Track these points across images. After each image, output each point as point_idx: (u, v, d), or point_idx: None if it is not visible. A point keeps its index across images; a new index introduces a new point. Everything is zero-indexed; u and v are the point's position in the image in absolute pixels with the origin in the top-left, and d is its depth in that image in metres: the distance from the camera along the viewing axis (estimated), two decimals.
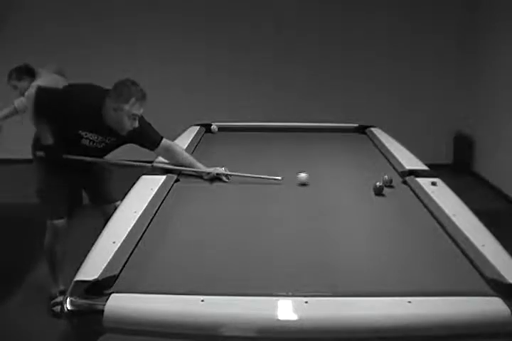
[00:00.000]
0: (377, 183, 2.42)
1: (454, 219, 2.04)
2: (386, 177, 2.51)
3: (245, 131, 3.66)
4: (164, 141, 2.79)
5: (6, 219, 4.29)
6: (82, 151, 2.79)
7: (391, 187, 2.50)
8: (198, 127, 3.64)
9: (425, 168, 2.73)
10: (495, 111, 5.24)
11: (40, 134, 2.82)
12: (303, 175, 2.53)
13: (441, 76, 5.78)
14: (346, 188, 2.55)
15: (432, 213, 2.16)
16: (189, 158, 2.77)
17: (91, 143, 2.75)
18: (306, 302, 1.47)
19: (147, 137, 2.77)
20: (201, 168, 2.71)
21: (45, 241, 2.99)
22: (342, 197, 2.44)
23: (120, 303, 1.48)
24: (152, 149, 2.79)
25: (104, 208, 3.02)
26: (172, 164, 2.75)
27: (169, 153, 2.78)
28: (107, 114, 2.63)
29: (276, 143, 3.43)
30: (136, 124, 2.64)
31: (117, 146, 2.86)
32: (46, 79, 3.67)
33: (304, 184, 2.53)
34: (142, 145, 2.79)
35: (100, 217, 2.97)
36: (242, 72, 5.78)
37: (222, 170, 2.65)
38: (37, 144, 2.88)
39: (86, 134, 2.71)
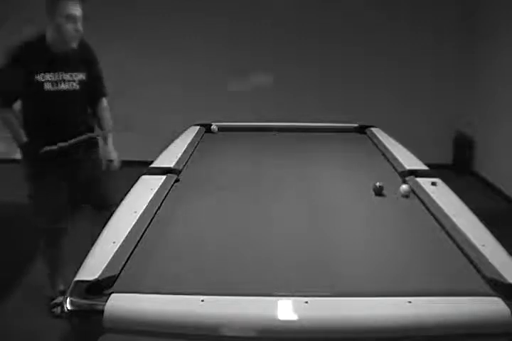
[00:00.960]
0: (377, 183, 2.42)
1: (454, 219, 2.04)
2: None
3: (245, 131, 3.66)
4: (105, 99, 3.01)
5: (6, 219, 4.29)
6: (55, 104, 2.73)
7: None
8: (198, 127, 3.64)
9: (425, 168, 2.73)
10: (495, 111, 5.24)
11: (11, 132, 2.77)
12: (405, 187, 2.40)
13: (441, 76, 5.77)
14: (346, 188, 2.55)
15: (432, 213, 2.16)
16: (107, 125, 2.98)
17: (54, 86, 2.68)
18: (306, 302, 1.47)
19: (99, 83, 2.98)
20: (109, 143, 2.98)
21: (42, 246, 2.96)
22: (342, 197, 2.44)
23: (120, 303, 1.48)
24: (94, 99, 2.96)
25: (101, 212, 2.87)
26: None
27: (100, 111, 2.98)
28: (48, 32, 2.64)
29: (276, 143, 3.43)
30: (79, 27, 2.64)
31: (88, 89, 2.86)
32: None
33: (406, 196, 2.38)
34: (93, 88, 2.90)
35: (100, 217, 2.95)
36: (242, 72, 5.78)
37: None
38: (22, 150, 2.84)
39: (43, 77, 2.65)
